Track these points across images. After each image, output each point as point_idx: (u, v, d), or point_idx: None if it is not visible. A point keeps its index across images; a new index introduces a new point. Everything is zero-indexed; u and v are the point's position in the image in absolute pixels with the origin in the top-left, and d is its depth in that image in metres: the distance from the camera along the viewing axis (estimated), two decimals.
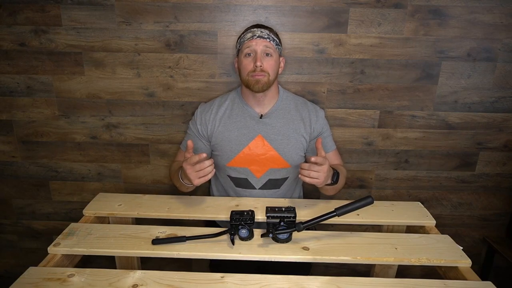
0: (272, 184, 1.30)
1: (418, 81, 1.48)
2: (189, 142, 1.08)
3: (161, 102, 1.51)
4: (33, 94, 1.50)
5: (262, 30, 1.20)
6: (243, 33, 1.24)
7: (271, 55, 1.19)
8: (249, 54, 1.19)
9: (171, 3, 1.38)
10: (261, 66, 1.16)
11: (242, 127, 1.27)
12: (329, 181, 1.11)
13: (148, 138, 1.57)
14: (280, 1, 1.38)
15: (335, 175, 1.13)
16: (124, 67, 1.46)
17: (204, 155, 1.05)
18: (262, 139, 1.26)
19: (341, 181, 1.22)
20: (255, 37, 1.18)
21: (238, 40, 1.25)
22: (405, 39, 1.43)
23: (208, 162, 1.04)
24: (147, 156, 1.59)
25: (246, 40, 1.19)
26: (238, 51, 1.24)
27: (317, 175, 1.03)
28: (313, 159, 1.01)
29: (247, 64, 1.19)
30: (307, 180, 1.04)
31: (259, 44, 1.17)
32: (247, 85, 1.22)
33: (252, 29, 1.21)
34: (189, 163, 1.04)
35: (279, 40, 1.25)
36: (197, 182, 1.04)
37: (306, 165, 1.04)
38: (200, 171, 1.03)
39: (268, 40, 1.18)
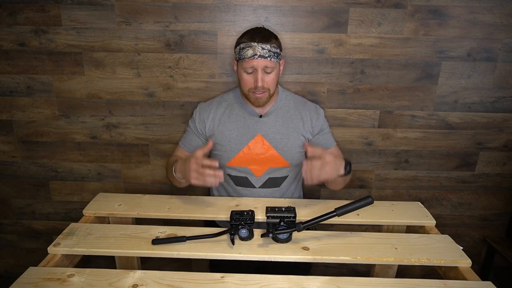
0: (272, 183, 1.30)
1: (418, 81, 1.48)
2: (210, 142, 1.12)
3: (161, 102, 1.51)
4: (33, 94, 1.50)
5: (263, 46, 1.14)
6: (243, 39, 1.18)
7: (271, 71, 1.18)
8: (249, 71, 1.17)
9: (171, 3, 1.38)
10: (262, 86, 1.16)
11: (241, 126, 1.27)
12: (342, 172, 1.07)
13: (148, 138, 1.57)
14: (280, 1, 1.38)
15: (348, 165, 1.08)
16: (124, 67, 1.46)
17: (217, 164, 1.05)
18: (262, 138, 1.26)
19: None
20: (256, 56, 1.14)
21: (238, 46, 1.19)
22: (405, 39, 1.43)
23: (217, 173, 1.03)
24: (147, 156, 1.59)
25: (247, 58, 1.15)
26: (237, 60, 1.20)
27: (326, 171, 1.02)
28: (319, 152, 1.02)
29: (248, 80, 1.18)
30: (322, 175, 1.01)
31: (260, 64, 1.15)
32: (247, 98, 1.23)
33: (252, 44, 1.14)
34: (197, 160, 1.03)
35: (280, 47, 1.21)
36: (194, 181, 1.04)
37: (315, 164, 1.01)
38: (202, 176, 1.03)
39: (269, 58, 1.15)
